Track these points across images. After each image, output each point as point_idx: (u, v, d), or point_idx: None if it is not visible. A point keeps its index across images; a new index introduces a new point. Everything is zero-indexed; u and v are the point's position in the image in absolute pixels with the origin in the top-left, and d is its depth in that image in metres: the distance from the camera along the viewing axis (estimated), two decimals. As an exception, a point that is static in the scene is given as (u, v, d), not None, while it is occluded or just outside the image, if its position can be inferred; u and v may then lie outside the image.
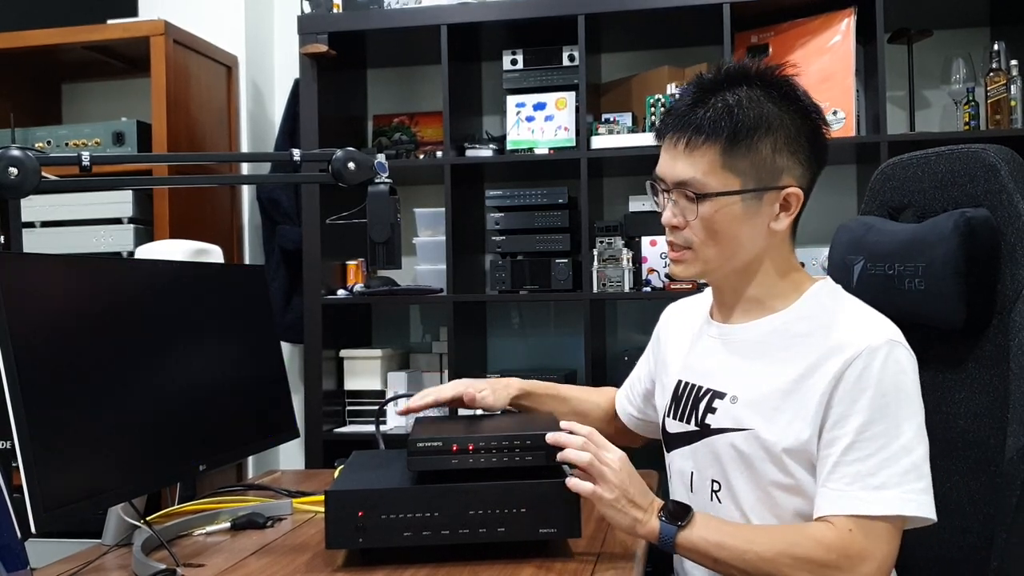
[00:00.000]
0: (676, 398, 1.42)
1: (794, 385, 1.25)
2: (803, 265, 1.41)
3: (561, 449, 1.27)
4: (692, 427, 1.37)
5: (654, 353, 1.58)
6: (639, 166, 2.78)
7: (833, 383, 1.21)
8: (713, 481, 1.34)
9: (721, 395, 1.33)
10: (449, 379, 2.72)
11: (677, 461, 1.41)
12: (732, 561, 1.20)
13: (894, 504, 1.17)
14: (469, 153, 2.81)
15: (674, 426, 1.41)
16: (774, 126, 1.26)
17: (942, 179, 1.44)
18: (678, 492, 1.42)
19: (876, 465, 1.18)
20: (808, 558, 1.17)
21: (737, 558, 1.19)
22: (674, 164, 1.29)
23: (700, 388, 1.37)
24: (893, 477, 1.17)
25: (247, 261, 3.10)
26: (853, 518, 1.17)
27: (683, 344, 1.47)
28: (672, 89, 2.70)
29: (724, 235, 1.28)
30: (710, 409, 1.34)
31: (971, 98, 2.59)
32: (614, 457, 1.25)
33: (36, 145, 2.73)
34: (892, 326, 1.26)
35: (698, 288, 2.58)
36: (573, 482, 1.25)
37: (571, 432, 1.28)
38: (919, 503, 1.17)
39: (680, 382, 1.42)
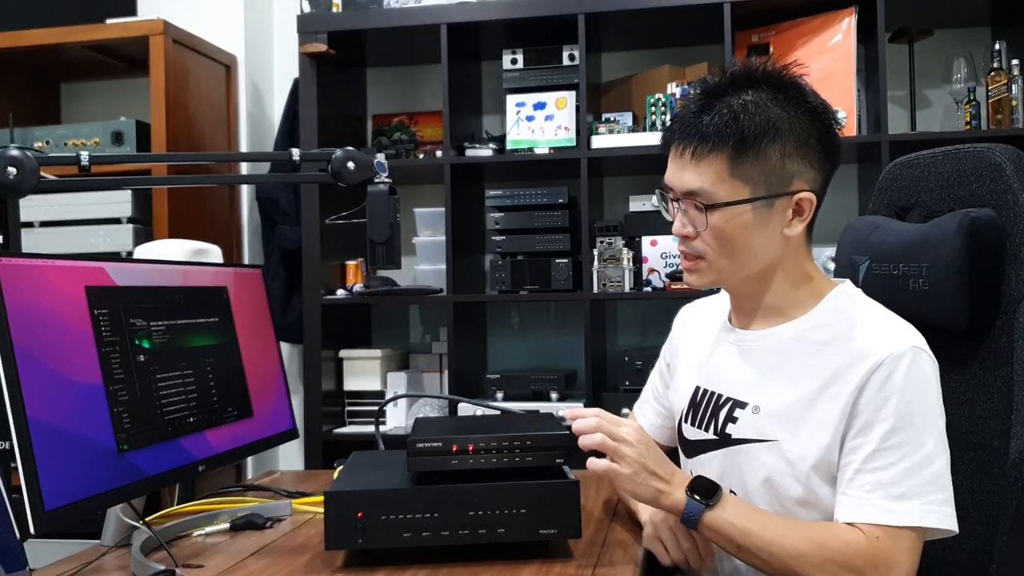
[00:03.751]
0: (694, 404, 1.40)
1: (816, 395, 1.22)
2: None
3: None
4: (711, 435, 1.34)
5: (668, 355, 1.55)
6: (639, 166, 2.78)
7: (857, 391, 1.19)
8: (731, 492, 1.30)
9: (742, 404, 1.30)
10: (449, 379, 2.73)
11: (695, 469, 1.37)
12: (756, 551, 1.18)
13: (914, 515, 1.15)
14: (469, 153, 2.81)
15: (692, 432, 1.39)
16: (782, 130, 1.23)
17: (948, 179, 1.44)
18: None
19: (899, 475, 1.16)
20: (835, 560, 1.15)
21: (762, 549, 1.17)
22: (682, 174, 1.26)
23: (720, 396, 1.35)
24: (916, 487, 1.15)
25: (246, 261, 3.09)
26: (877, 527, 1.15)
27: (700, 348, 1.44)
28: (672, 88, 2.70)
29: (736, 244, 1.25)
30: (731, 418, 1.31)
31: (972, 98, 2.59)
32: (628, 431, 1.23)
33: (35, 145, 2.73)
34: (915, 332, 1.23)
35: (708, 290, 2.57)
36: (590, 462, 1.23)
37: (579, 417, 1.27)
38: (941, 515, 1.16)
39: (698, 388, 1.40)
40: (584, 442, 1.24)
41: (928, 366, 1.20)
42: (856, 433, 1.19)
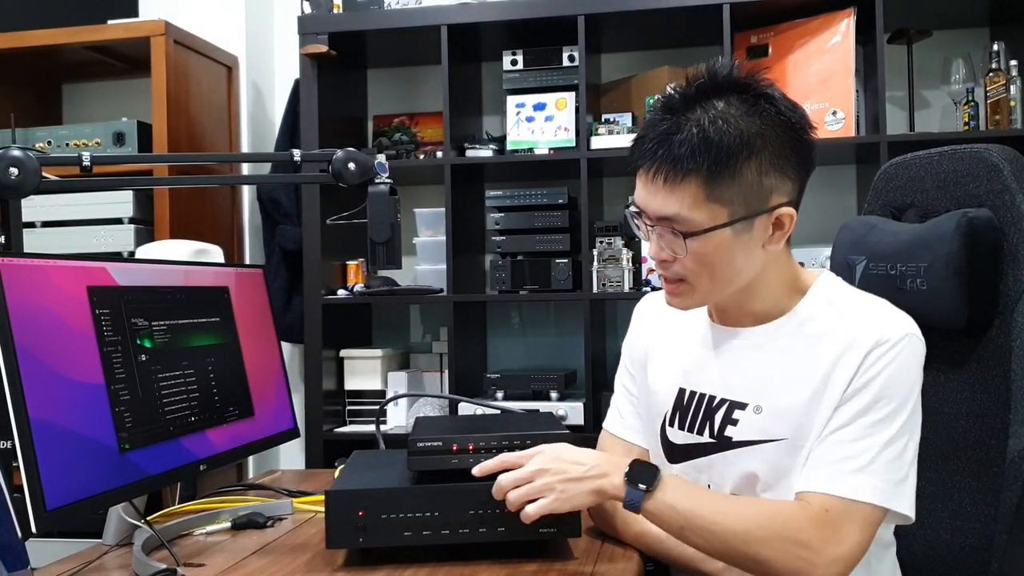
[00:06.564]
0: (680, 407, 1.34)
1: (820, 388, 1.20)
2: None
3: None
4: (706, 439, 1.29)
5: (633, 355, 1.47)
6: (639, 166, 2.78)
7: (851, 377, 1.18)
8: (734, 493, 1.27)
9: (741, 405, 1.26)
10: (449, 379, 2.74)
11: (689, 473, 1.32)
12: (698, 531, 1.16)
13: (868, 492, 1.14)
14: (469, 153, 2.81)
15: (680, 436, 1.33)
16: (756, 147, 1.17)
17: (945, 179, 1.44)
18: None
19: (861, 450, 1.15)
20: (781, 534, 1.13)
21: (704, 528, 1.15)
22: (654, 198, 1.20)
23: (712, 398, 1.30)
24: (877, 465, 1.15)
25: (248, 261, 3.10)
26: (831, 498, 1.14)
27: (675, 346, 1.39)
28: (671, 90, 2.69)
29: (718, 265, 1.21)
30: (730, 420, 1.27)
31: (970, 98, 2.59)
32: (533, 463, 1.22)
33: (37, 145, 2.73)
34: (907, 317, 1.22)
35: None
36: (525, 514, 1.21)
37: (480, 476, 1.25)
38: (894, 495, 1.15)
39: (683, 390, 1.34)
40: (509, 501, 1.22)
41: (918, 351, 1.20)
42: (834, 410, 1.18)
